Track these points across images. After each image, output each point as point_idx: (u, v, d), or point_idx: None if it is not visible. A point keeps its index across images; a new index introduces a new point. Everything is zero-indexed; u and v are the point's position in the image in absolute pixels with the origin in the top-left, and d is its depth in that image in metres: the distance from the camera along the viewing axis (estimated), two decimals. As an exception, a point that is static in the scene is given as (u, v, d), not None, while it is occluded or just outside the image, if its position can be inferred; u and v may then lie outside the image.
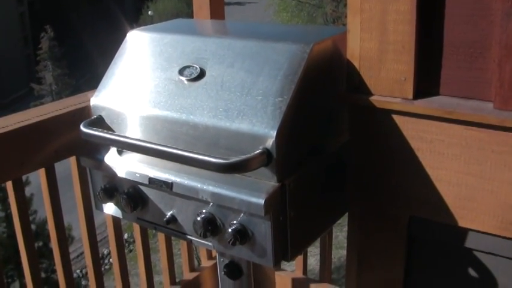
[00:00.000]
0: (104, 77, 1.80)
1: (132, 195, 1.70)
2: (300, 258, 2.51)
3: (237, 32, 2.03)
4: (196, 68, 1.65)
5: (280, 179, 1.48)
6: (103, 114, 1.76)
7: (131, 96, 1.72)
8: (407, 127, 1.61)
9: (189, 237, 1.66)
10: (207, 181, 1.54)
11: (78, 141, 1.74)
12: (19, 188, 1.85)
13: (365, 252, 1.84)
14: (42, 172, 1.91)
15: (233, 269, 1.80)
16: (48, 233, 2.06)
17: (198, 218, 1.55)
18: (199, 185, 1.55)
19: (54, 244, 2.00)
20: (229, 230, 1.50)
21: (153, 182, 1.63)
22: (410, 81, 1.58)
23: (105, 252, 16.85)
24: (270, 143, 1.44)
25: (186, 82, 1.64)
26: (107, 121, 1.75)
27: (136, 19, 38.37)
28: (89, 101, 1.79)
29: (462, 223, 1.60)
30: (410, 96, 1.59)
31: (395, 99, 1.61)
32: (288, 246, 1.54)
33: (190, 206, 1.60)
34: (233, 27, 2.20)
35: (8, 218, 14.62)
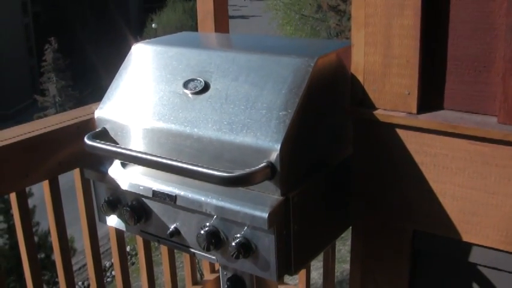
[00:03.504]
0: (109, 90, 1.81)
1: (136, 208, 1.70)
2: (303, 272, 2.50)
3: (241, 45, 2.03)
4: (200, 81, 1.65)
5: (284, 193, 1.48)
6: (107, 126, 1.76)
7: (135, 109, 1.73)
8: (411, 141, 1.61)
9: (192, 250, 1.65)
10: (211, 194, 1.54)
11: (82, 153, 1.74)
12: (22, 199, 1.84)
13: (369, 266, 1.83)
14: (45, 184, 1.91)
15: (236, 283, 1.79)
16: (51, 245, 2.06)
17: (202, 231, 1.54)
18: (203, 198, 1.55)
19: (57, 256, 2.00)
20: (233, 244, 1.50)
21: (157, 195, 1.63)
22: (414, 95, 1.58)
23: (108, 264, 16.80)
24: (274, 156, 1.44)
25: (190, 95, 1.65)
26: (111, 133, 1.76)
27: (141, 32, 38.58)
28: (93, 113, 1.80)
29: (466, 237, 1.60)
30: (414, 110, 1.59)
31: (399, 113, 1.61)
32: (291, 260, 1.54)
33: (194, 219, 1.60)
34: (237, 40, 2.21)
35: (10, 229, 14.61)
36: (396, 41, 1.57)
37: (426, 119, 1.57)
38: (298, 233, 1.53)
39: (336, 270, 2.59)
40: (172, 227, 1.66)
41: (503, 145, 1.47)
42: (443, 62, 1.57)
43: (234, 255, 1.50)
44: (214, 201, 1.53)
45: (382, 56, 1.61)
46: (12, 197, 1.83)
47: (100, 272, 2.16)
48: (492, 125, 1.49)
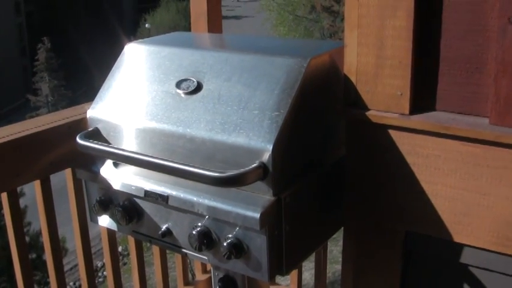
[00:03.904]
0: (101, 89, 1.80)
1: (128, 208, 1.70)
2: (294, 272, 2.50)
3: (234, 45, 2.03)
4: (193, 81, 1.65)
5: (276, 193, 1.47)
6: (99, 126, 1.75)
7: (128, 108, 1.72)
8: (404, 142, 1.61)
9: (184, 250, 1.65)
10: (203, 194, 1.54)
11: (74, 153, 1.74)
12: (14, 199, 1.84)
13: (361, 267, 1.83)
14: (37, 184, 1.90)
15: (228, 283, 1.79)
16: (42, 245, 2.05)
17: (194, 232, 1.54)
18: (195, 198, 1.54)
19: (48, 256, 1.99)
20: (225, 244, 1.50)
21: (149, 195, 1.63)
22: (407, 96, 1.59)
23: (99, 264, 16.75)
24: (266, 157, 1.44)
25: (183, 95, 1.64)
26: (104, 133, 1.75)
27: (134, 31, 38.50)
28: (86, 113, 1.79)
29: (457, 238, 1.60)
30: (407, 111, 1.60)
31: (391, 114, 1.61)
32: (283, 261, 1.53)
33: (186, 219, 1.60)
34: (231, 40, 2.20)
35: (2, 230, 14.54)
36: (389, 42, 1.58)
37: (418, 120, 1.57)
38: (290, 234, 1.52)
39: (327, 271, 2.59)
40: (164, 227, 1.65)
41: (495, 146, 1.47)
42: (435, 63, 1.57)
43: (226, 256, 1.50)
44: (206, 202, 1.52)
45: (375, 57, 1.61)
46: (4, 196, 1.82)
47: (91, 272, 2.15)
48: (484, 126, 1.49)
